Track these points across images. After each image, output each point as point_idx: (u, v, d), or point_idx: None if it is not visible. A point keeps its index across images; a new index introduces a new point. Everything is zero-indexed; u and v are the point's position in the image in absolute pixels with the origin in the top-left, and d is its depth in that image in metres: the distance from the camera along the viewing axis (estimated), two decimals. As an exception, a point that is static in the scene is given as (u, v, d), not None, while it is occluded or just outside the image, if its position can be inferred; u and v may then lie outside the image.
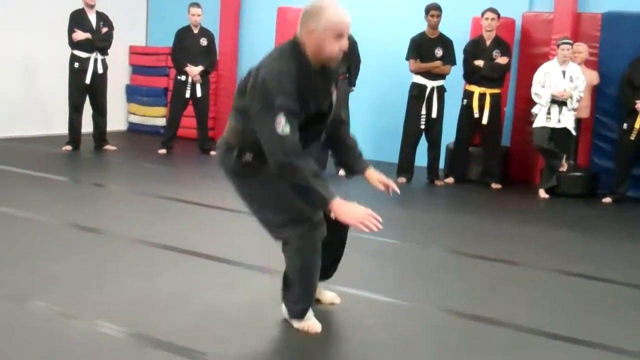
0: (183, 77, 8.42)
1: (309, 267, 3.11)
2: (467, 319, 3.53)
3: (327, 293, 3.57)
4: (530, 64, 7.66)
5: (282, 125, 2.82)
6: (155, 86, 10.16)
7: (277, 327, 3.25)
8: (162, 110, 10.04)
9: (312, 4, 3.01)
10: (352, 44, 7.66)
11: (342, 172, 3.28)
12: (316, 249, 3.07)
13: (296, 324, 3.20)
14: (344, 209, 2.86)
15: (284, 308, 3.25)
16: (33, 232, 4.67)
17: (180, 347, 2.92)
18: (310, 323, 3.19)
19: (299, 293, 3.16)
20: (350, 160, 3.44)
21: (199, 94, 8.42)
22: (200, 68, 8.36)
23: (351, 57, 7.59)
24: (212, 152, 8.53)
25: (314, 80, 3.00)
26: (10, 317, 3.19)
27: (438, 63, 7.44)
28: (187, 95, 8.41)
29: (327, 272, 3.41)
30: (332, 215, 2.90)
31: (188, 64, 8.35)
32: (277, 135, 2.83)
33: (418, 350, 3.14)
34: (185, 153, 8.64)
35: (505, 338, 3.34)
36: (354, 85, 7.72)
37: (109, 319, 3.17)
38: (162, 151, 8.47)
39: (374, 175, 3.38)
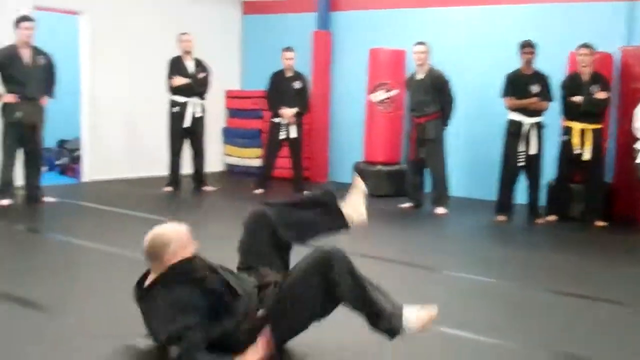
0: (277, 119, 8.57)
1: None
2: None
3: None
4: (632, 98, 7.42)
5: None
6: (250, 128, 10.38)
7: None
8: (258, 152, 10.23)
9: (149, 243, 3.26)
10: (443, 83, 7.65)
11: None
12: None
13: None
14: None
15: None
16: (136, 270, 4.78)
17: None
18: None
19: None
20: None
21: (293, 135, 8.55)
22: (294, 110, 8.50)
23: (443, 96, 7.60)
24: (306, 192, 8.61)
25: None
26: (108, 353, 3.26)
27: (535, 99, 7.31)
28: (282, 136, 8.55)
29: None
30: None
31: (282, 107, 8.50)
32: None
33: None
34: (281, 192, 8.74)
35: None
36: (447, 125, 7.72)
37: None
38: (259, 191, 8.61)
39: None
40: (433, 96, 7.67)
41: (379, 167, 8.80)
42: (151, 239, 3.25)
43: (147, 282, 3.22)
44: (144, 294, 3.21)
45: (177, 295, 3.05)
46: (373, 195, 8.54)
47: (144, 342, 3.34)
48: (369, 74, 8.91)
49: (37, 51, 7.11)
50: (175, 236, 3.25)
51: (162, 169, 8.73)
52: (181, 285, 3.09)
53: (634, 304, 4.47)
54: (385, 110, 8.81)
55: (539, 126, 7.35)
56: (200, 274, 3.15)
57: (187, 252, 3.23)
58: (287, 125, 8.53)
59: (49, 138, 8.14)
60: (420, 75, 7.79)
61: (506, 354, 3.48)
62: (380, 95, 8.80)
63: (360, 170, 8.59)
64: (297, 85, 8.66)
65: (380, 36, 9.29)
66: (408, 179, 8.07)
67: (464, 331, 3.73)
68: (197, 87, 8.41)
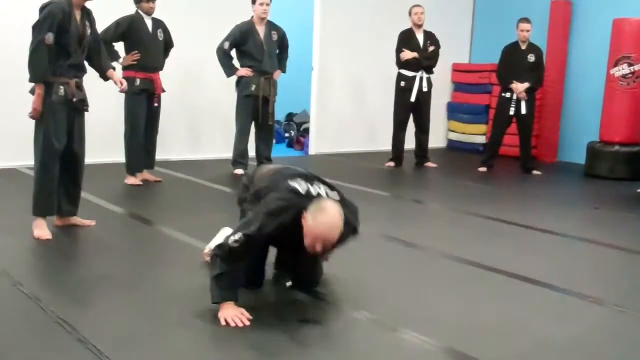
0: (508, 94, 8.23)
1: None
2: None
3: None
4: None
5: (233, 240, 3.19)
6: (476, 103, 10.10)
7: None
8: (483, 128, 9.94)
9: (322, 201, 3.32)
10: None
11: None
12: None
13: None
14: (222, 311, 3.18)
15: None
16: (356, 243, 4.82)
17: None
18: None
19: None
20: None
21: (523, 111, 8.17)
22: (526, 85, 8.11)
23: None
24: (535, 172, 8.23)
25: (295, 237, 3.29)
26: (338, 324, 3.30)
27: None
28: (512, 112, 8.21)
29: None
30: None
31: (514, 81, 8.14)
32: (226, 243, 3.20)
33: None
34: (507, 172, 8.43)
35: None
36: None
37: (431, 335, 3.12)
38: (483, 169, 8.36)
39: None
40: None
41: (617, 147, 8.16)
42: None
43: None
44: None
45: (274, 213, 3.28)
46: (608, 178, 7.99)
47: (369, 315, 3.33)
48: (611, 47, 8.27)
49: (272, 26, 7.38)
50: None
51: (385, 144, 8.75)
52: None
53: None
54: (628, 86, 8.14)
55: None
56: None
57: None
58: (518, 100, 8.17)
59: (278, 111, 8.46)
60: None
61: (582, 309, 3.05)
62: (623, 69, 8.14)
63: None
64: (531, 58, 8.24)
65: (625, 5, 8.57)
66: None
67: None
68: (426, 61, 8.30)
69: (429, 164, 8.54)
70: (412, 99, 8.29)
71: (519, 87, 8.11)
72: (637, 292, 3.86)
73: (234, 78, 7.32)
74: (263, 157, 7.54)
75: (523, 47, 8.25)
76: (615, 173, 8.06)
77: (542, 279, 4.05)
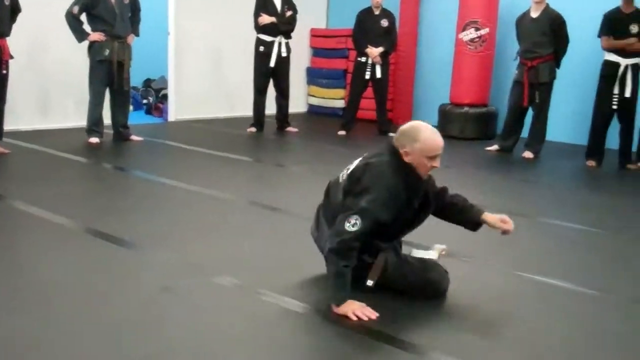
0: (363, 59, 8.42)
1: None
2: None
3: None
4: None
5: (352, 224, 3.02)
6: (335, 68, 10.27)
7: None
8: (342, 92, 10.13)
9: (409, 125, 3.21)
10: (560, 23, 7.28)
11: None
12: None
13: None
14: (342, 309, 3.02)
15: None
16: (220, 209, 4.86)
17: (362, 328, 2.91)
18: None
19: None
20: (468, 216, 3.43)
21: (378, 75, 8.39)
22: (380, 49, 8.32)
23: (559, 38, 7.26)
24: (391, 134, 8.47)
25: (415, 187, 3.19)
26: (200, 289, 3.31)
27: (633, 40, 6.91)
28: (367, 76, 8.41)
29: None
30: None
31: (368, 45, 8.34)
32: (343, 228, 3.03)
33: (621, 344, 2.92)
34: (365, 135, 8.66)
35: None
36: (559, 68, 7.39)
37: (292, 295, 3.21)
38: (342, 133, 8.55)
39: (491, 217, 3.37)
40: (548, 37, 7.32)
41: (466, 109, 8.57)
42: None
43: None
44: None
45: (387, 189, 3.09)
46: (459, 138, 8.39)
47: (229, 280, 3.37)
48: (459, 12, 8.62)
49: (123, -11, 7.15)
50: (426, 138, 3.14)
51: (246, 109, 8.75)
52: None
53: None
54: (475, 50, 8.53)
55: (636, 68, 6.96)
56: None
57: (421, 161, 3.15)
58: (373, 64, 8.38)
59: (135, 77, 8.26)
60: (534, 14, 7.41)
61: (594, 302, 3.35)
62: (470, 34, 8.51)
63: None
64: (384, 23, 8.45)
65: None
66: (507, 123, 7.73)
67: (554, 279, 3.62)
68: (284, 26, 8.33)
69: (290, 129, 8.63)
70: (272, 64, 8.31)
71: (374, 52, 8.31)
72: (473, 242, 4.11)
73: (86, 43, 7.06)
74: (119, 124, 7.35)
75: (376, 12, 8.44)
76: (465, 133, 8.48)
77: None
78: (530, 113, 7.55)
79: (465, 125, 8.53)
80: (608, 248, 4.39)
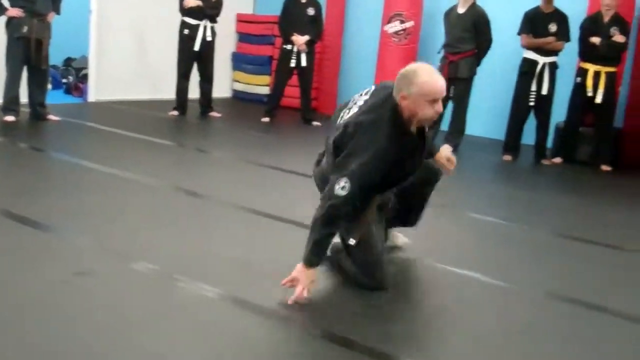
0: (289, 46, 8.43)
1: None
2: (575, 305, 3.39)
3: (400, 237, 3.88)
4: (651, 41, 7.25)
5: (341, 186, 3.01)
6: (260, 54, 10.23)
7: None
8: (267, 79, 10.11)
9: (406, 69, 3.11)
10: (485, 22, 7.42)
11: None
12: None
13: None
14: (300, 274, 3.07)
15: None
16: (139, 193, 4.80)
17: (277, 314, 2.94)
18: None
19: None
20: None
21: (303, 63, 8.42)
22: (306, 37, 8.35)
23: (481, 35, 7.39)
24: (315, 123, 8.54)
25: (409, 147, 3.14)
26: (115, 275, 3.28)
27: (551, 39, 7.15)
28: (292, 64, 8.42)
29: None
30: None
31: (294, 33, 8.35)
32: (334, 193, 3.03)
33: (532, 336, 3.04)
34: (288, 122, 8.68)
35: (614, 326, 3.20)
36: (479, 65, 7.56)
37: (210, 281, 3.21)
38: (266, 119, 8.54)
39: (439, 154, 3.54)
40: (471, 33, 7.44)
41: (389, 100, 8.67)
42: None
43: None
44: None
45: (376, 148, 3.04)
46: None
47: (148, 266, 3.35)
48: (385, 4, 8.71)
49: (43, -35, 6.94)
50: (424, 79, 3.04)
51: (169, 93, 8.63)
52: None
53: (634, 249, 4.45)
54: (400, 42, 8.65)
55: (553, 66, 7.22)
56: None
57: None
58: (299, 52, 8.40)
59: (55, 56, 8.04)
60: (461, 10, 7.52)
61: (507, 295, 3.48)
62: (395, 26, 8.62)
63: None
64: (310, 11, 8.47)
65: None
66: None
67: (469, 270, 3.73)
68: (209, 10, 8.23)
69: (214, 114, 8.57)
70: (196, 47, 8.22)
71: (299, 40, 8.33)
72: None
73: (3, 19, 6.83)
74: (37, 103, 7.16)
75: (303, 0, 8.46)
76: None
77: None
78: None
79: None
80: (523, 241, 4.54)
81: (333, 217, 3.04)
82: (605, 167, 7.19)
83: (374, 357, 2.68)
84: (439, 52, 7.72)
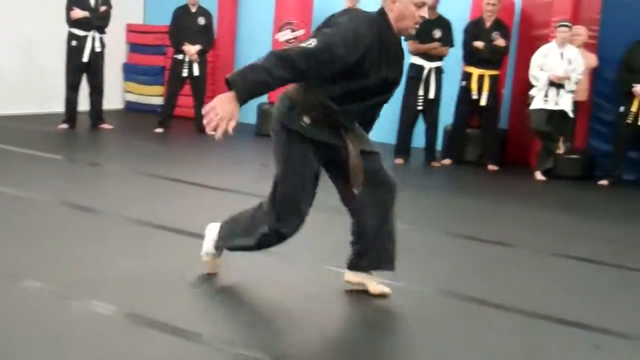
0: (180, 56, 8.38)
1: (250, 245, 3.36)
2: (465, 302, 3.53)
3: (376, 285, 3.48)
4: (530, 46, 7.61)
5: (307, 43, 2.87)
6: (152, 65, 10.11)
7: (270, 307, 3.25)
8: (159, 89, 9.99)
9: None
10: None
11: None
12: (263, 242, 3.32)
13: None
14: (222, 104, 2.81)
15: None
16: (27, 210, 4.66)
17: (175, 328, 2.92)
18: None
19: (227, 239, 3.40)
20: None
21: (196, 72, 8.38)
22: (197, 47, 8.32)
23: None
24: (210, 132, 8.49)
25: (393, 49, 3.10)
26: (3, 295, 3.18)
27: (436, 44, 7.41)
28: (185, 74, 8.37)
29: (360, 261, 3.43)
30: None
31: (185, 43, 8.30)
32: (301, 47, 2.87)
33: (417, 333, 3.15)
34: (182, 132, 8.62)
35: (503, 321, 3.35)
36: None
37: (103, 298, 3.17)
38: (159, 130, 8.45)
39: None
40: None
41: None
42: None
43: None
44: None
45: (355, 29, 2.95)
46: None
47: (36, 284, 3.27)
48: (276, 13, 8.79)
49: None
50: None
51: (58, 106, 8.41)
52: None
53: (522, 245, 4.67)
54: (290, 51, 8.72)
55: (439, 71, 7.48)
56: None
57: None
58: (190, 62, 8.35)
59: None
60: None
61: (397, 293, 3.57)
62: (286, 35, 8.71)
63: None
64: (201, 21, 8.46)
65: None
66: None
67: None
68: (97, 21, 8.08)
69: (105, 126, 8.39)
70: (85, 59, 8.05)
71: (191, 50, 8.29)
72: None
73: None
74: None
75: (193, 10, 8.44)
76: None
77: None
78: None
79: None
80: (412, 241, 4.67)
81: (284, 59, 2.80)
82: (492, 167, 7.50)
83: (270, 362, 2.72)
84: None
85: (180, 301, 3.23)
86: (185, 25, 8.37)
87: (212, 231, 3.52)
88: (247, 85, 2.78)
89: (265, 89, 2.80)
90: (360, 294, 3.49)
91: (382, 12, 3.10)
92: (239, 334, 2.99)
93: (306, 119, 3.10)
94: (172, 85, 8.57)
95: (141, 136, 8.10)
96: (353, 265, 3.45)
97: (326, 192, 3.36)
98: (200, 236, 4.20)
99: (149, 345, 2.81)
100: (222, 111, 2.79)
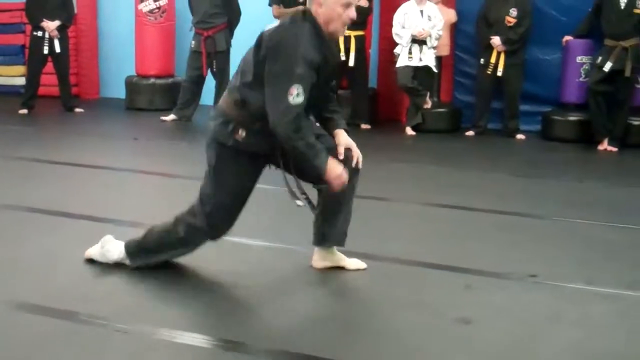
0: (39, 33, 8.04)
1: (170, 252, 3.31)
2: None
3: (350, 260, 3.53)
4: (392, 5, 7.77)
5: (294, 95, 2.89)
6: (11, 44, 9.64)
7: (139, 284, 3.26)
8: (21, 69, 9.53)
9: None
10: None
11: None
12: (185, 247, 3.29)
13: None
14: (333, 170, 3.07)
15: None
16: None
17: (53, 309, 2.88)
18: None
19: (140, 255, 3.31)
20: (329, 126, 3.35)
21: (57, 49, 8.07)
22: (57, 23, 7.99)
23: (230, 8, 7.60)
24: (77, 110, 8.27)
25: (326, 47, 3.08)
26: None
27: (302, 8, 7.44)
28: (46, 51, 8.04)
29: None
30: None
31: (44, 19, 7.97)
32: (288, 104, 2.90)
33: (294, 290, 3.24)
34: (48, 112, 8.32)
35: (382, 270, 3.49)
36: (232, 36, 7.79)
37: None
38: (23, 111, 8.11)
39: (339, 138, 3.31)
40: (221, 8, 7.64)
41: (153, 80, 8.61)
42: None
43: None
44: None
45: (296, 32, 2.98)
46: (148, 110, 8.40)
47: None
48: (137, -14, 8.59)
49: None
50: None
51: None
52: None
53: (398, 198, 4.86)
54: (155, 21, 8.57)
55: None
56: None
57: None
58: (51, 39, 8.03)
59: None
60: None
61: (275, 255, 3.64)
62: (149, 5, 8.53)
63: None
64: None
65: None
66: (185, 92, 7.89)
67: (237, 237, 3.81)
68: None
69: (-36, 111, 8.00)
70: None
71: (50, 26, 7.96)
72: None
73: None
74: None
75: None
76: (154, 105, 8.51)
77: (84, 213, 4.20)
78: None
79: (153, 96, 8.57)
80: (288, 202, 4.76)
81: (301, 129, 2.95)
82: (364, 126, 7.68)
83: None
84: (190, 30, 7.80)
85: (56, 283, 3.16)
86: (42, 1, 8.01)
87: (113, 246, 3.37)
88: (321, 151, 3.05)
89: (317, 145, 3.03)
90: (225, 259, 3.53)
91: (312, 20, 3.05)
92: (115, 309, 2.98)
93: (241, 132, 3.07)
94: (34, 64, 8.22)
95: (5, 119, 7.73)
96: (319, 242, 3.50)
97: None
98: (80, 216, 4.15)
99: (31, 330, 2.76)
100: (339, 169, 3.09)
